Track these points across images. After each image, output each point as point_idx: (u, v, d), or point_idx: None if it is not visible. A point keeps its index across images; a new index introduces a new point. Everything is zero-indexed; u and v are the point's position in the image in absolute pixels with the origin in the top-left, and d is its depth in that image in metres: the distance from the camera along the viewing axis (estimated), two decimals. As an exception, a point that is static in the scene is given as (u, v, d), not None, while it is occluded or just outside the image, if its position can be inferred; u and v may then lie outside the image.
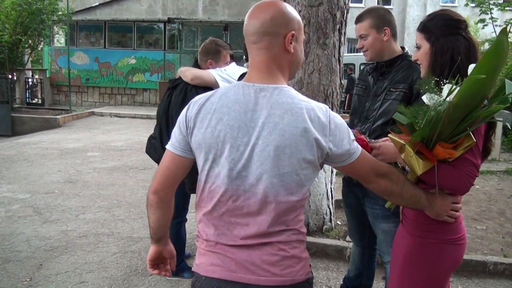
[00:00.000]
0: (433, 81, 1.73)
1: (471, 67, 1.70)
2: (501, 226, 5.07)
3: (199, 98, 1.58)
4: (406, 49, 2.69)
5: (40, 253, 4.19)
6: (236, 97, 1.50)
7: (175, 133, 1.61)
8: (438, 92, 1.72)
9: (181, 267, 3.67)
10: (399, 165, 1.96)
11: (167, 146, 1.63)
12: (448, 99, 1.66)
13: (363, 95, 2.76)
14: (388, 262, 2.69)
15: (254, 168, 1.46)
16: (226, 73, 3.39)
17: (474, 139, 1.67)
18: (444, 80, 1.74)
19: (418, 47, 2.00)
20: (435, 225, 1.84)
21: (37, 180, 6.92)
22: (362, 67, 16.59)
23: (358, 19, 2.66)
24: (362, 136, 1.96)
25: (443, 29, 1.89)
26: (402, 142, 1.76)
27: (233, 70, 3.50)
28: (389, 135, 1.86)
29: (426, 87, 1.74)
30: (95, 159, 8.64)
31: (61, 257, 4.12)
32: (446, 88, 1.69)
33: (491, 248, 4.39)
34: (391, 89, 2.56)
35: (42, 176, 7.15)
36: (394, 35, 2.63)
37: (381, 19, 2.59)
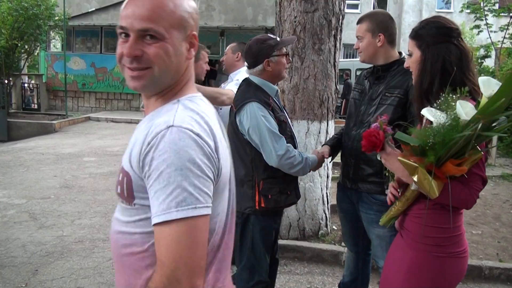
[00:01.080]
0: (453, 100, 1.69)
1: (482, 80, 1.67)
2: (497, 231, 5.09)
3: (198, 124, 1.17)
4: (404, 54, 2.69)
5: (36, 258, 4.17)
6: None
7: (207, 185, 1.13)
8: (449, 109, 1.68)
9: None
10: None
11: (203, 211, 1.10)
12: (464, 115, 1.62)
13: (359, 99, 2.76)
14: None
15: None
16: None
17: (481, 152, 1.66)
18: (453, 96, 1.70)
19: (409, 54, 1.99)
20: (440, 238, 1.83)
21: (33, 185, 6.90)
22: (358, 72, 16.66)
23: (359, 21, 2.72)
24: (381, 131, 1.90)
25: (435, 36, 1.88)
26: (416, 165, 1.71)
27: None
28: (398, 158, 1.78)
29: (445, 105, 1.70)
30: (91, 164, 8.62)
31: (56, 262, 4.10)
32: (460, 106, 1.64)
33: (487, 252, 4.40)
34: (386, 93, 2.57)
35: (38, 181, 7.13)
36: (390, 41, 2.65)
37: (378, 25, 2.62)
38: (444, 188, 1.70)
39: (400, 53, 2.72)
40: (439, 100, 1.74)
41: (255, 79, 2.65)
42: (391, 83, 2.58)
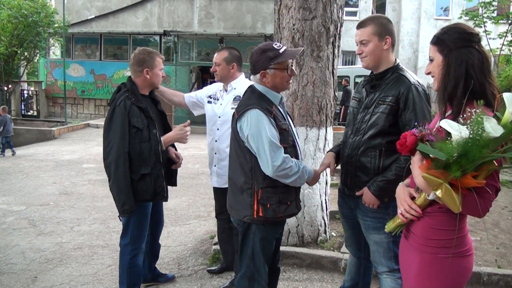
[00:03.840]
0: (477, 115, 1.69)
1: (507, 97, 1.69)
2: (495, 237, 5.10)
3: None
4: (398, 61, 2.70)
5: (35, 265, 4.18)
6: None
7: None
8: (473, 124, 1.68)
9: None
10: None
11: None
12: (493, 132, 1.64)
13: (357, 108, 2.78)
14: (383, 272, 2.72)
15: None
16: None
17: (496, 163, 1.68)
18: (477, 110, 1.70)
19: (431, 60, 1.99)
20: (444, 240, 1.86)
21: (32, 192, 6.91)
22: (357, 79, 16.72)
23: (361, 25, 2.65)
24: (412, 136, 1.89)
25: (457, 41, 1.89)
26: (440, 181, 1.72)
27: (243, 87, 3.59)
28: (423, 174, 1.79)
29: (470, 122, 1.70)
30: (90, 171, 8.63)
31: (56, 269, 4.11)
32: (487, 123, 1.65)
33: (485, 259, 4.41)
34: (379, 101, 2.59)
35: (37, 188, 7.14)
36: (393, 45, 2.64)
37: (384, 28, 2.60)
38: (462, 199, 1.72)
39: (395, 59, 2.71)
40: (464, 116, 1.73)
41: (259, 87, 2.64)
42: (385, 91, 2.59)
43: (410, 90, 2.50)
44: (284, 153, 2.50)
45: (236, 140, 2.61)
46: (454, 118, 1.81)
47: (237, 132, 2.58)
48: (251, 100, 2.58)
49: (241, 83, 3.65)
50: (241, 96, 3.57)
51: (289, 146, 2.60)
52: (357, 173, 2.68)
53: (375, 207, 2.59)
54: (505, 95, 1.71)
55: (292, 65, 2.67)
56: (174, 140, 3.32)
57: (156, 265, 3.83)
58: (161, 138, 3.22)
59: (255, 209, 2.56)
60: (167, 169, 3.40)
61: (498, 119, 1.71)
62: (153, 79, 3.25)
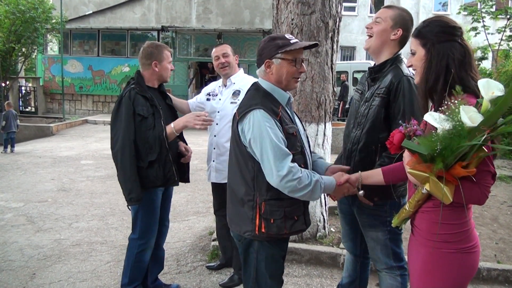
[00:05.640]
0: (456, 106, 1.68)
1: (481, 83, 1.68)
2: (494, 232, 5.10)
3: None
4: (400, 53, 2.65)
5: (33, 262, 4.17)
6: None
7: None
8: (452, 114, 1.68)
9: None
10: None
11: None
12: (469, 122, 1.62)
13: (359, 100, 2.75)
14: (382, 269, 2.71)
15: None
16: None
17: (486, 150, 1.67)
18: (456, 101, 1.69)
19: (413, 53, 1.99)
20: (449, 235, 1.85)
21: (30, 188, 6.89)
22: (355, 74, 16.70)
23: (386, 6, 2.63)
24: (398, 134, 1.92)
25: (439, 35, 1.89)
26: (426, 175, 1.72)
27: (243, 82, 3.56)
28: (408, 170, 1.79)
29: (448, 112, 1.69)
30: (89, 167, 8.61)
31: (54, 266, 4.10)
32: (463, 112, 1.64)
33: (485, 254, 4.41)
34: (376, 94, 2.56)
35: (35, 185, 7.12)
36: (402, 42, 2.59)
37: (403, 20, 2.56)
38: (456, 189, 1.72)
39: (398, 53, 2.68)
40: (443, 107, 1.74)
41: (264, 84, 2.33)
42: (381, 84, 2.56)
43: (401, 81, 2.46)
44: (291, 161, 2.15)
45: (237, 145, 2.28)
46: (436, 111, 1.81)
47: (238, 135, 2.25)
48: (255, 99, 2.25)
49: (241, 78, 3.65)
50: (241, 90, 3.56)
51: (297, 153, 2.26)
52: (356, 169, 2.62)
53: (370, 204, 2.58)
54: (480, 82, 1.69)
55: (303, 62, 2.32)
56: (185, 124, 3.22)
57: None
58: (172, 124, 3.20)
59: (257, 224, 2.23)
60: (179, 165, 3.37)
61: (479, 106, 1.69)
62: (161, 72, 3.30)
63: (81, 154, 10.04)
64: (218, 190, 3.67)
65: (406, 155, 1.90)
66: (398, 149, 1.94)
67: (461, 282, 1.90)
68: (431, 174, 1.71)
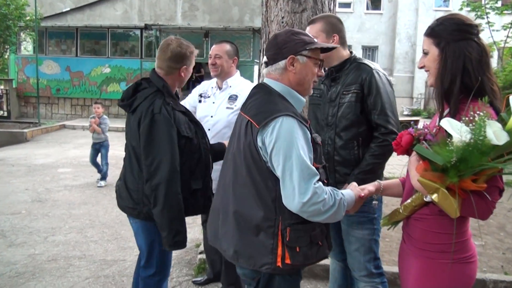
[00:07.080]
0: (480, 118, 1.66)
1: None
2: (501, 242, 5.12)
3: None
4: (354, 52, 2.93)
5: (5, 280, 4.11)
6: None
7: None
8: (476, 128, 1.66)
9: None
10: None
11: None
12: (495, 140, 1.62)
13: (319, 103, 2.92)
14: (361, 277, 2.79)
15: None
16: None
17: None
18: (479, 112, 1.67)
19: (425, 53, 1.96)
20: (444, 245, 1.85)
21: (2, 199, 6.82)
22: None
23: (311, 22, 2.89)
24: (407, 136, 1.93)
25: (455, 33, 1.86)
26: (437, 186, 1.70)
27: (240, 86, 3.52)
28: (419, 178, 1.76)
29: (471, 124, 1.67)
30: (66, 176, 8.55)
31: (28, 283, 4.05)
32: (489, 128, 1.62)
33: (491, 265, 4.42)
34: (344, 92, 2.75)
35: (7, 195, 7.05)
36: (343, 42, 2.83)
37: (332, 26, 2.81)
38: (463, 202, 1.72)
39: (351, 52, 2.91)
40: (466, 117, 1.71)
41: (277, 86, 2.10)
42: (347, 81, 2.77)
43: (373, 75, 2.70)
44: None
45: (253, 161, 2.00)
46: (452, 117, 1.79)
47: (256, 148, 1.98)
48: (276, 104, 2.00)
49: (238, 82, 3.59)
50: (238, 95, 3.51)
51: (320, 167, 2.08)
52: (336, 168, 2.79)
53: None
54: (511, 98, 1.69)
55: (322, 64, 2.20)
56: None
57: None
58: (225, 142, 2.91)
59: (279, 254, 1.97)
60: None
61: (503, 122, 1.69)
62: (185, 78, 2.88)
63: (58, 162, 9.96)
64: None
65: (414, 159, 1.89)
66: (404, 152, 1.97)
67: None
68: (442, 185, 1.70)
